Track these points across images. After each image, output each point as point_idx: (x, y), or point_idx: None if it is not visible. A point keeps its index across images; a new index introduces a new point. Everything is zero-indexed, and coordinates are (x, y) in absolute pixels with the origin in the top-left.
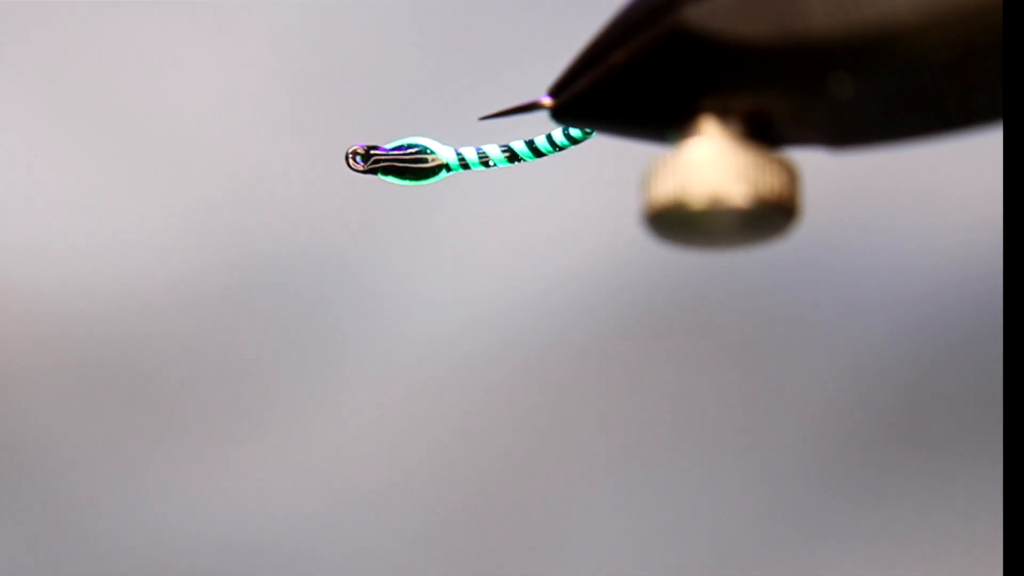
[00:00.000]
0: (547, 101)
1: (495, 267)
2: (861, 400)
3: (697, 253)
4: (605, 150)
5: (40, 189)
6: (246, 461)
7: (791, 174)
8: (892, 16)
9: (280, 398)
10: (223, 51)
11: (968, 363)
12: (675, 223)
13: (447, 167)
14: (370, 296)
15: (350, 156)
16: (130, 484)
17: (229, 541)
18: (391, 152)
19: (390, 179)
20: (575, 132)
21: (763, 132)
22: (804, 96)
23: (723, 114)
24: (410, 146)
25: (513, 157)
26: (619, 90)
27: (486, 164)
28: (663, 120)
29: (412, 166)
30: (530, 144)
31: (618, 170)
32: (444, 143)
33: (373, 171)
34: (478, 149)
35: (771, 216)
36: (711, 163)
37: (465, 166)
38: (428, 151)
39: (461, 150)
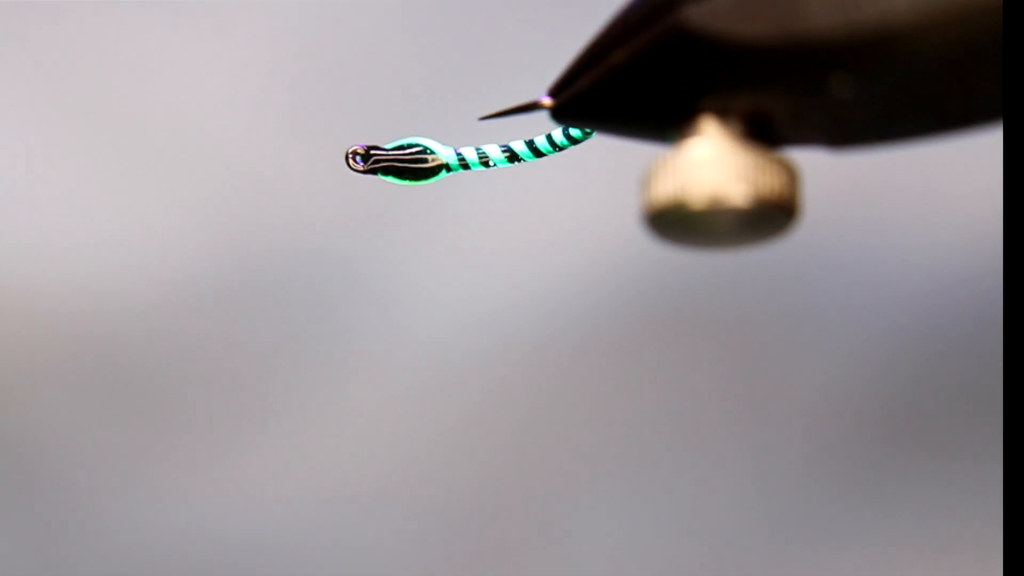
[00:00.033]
0: (547, 101)
1: (495, 266)
2: (861, 400)
3: (697, 253)
4: (605, 150)
5: (40, 189)
6: (249, 459)
7: (791, 174)
8: (892, 16)
9: (282, 397)
10: (223, 51)
11: (968, 363)
12: (675, 223)
13: (447, 167)
14: (371, 295)
15: (350, 156)
16: (132, 482)
17: (233, 538)
18: (391, 152)
19: (390, 179)
20: (575, 132)
21: (763, 132)
22: (804, 96)
23: (723, 114)
24: (410, 146)
25: (513, 157)
26: (619, 90)
27: (486, 164)
28: (663, 120)
29: (412, 166)
30: (530, 144)
31: (618, 170)
32: (444, 143)
33: (373, 171)
34: (478, 149)
35: (771, 216)
36: (711, 163)
37: (465, 166)
38: (428, 151)
39: (461, 150)
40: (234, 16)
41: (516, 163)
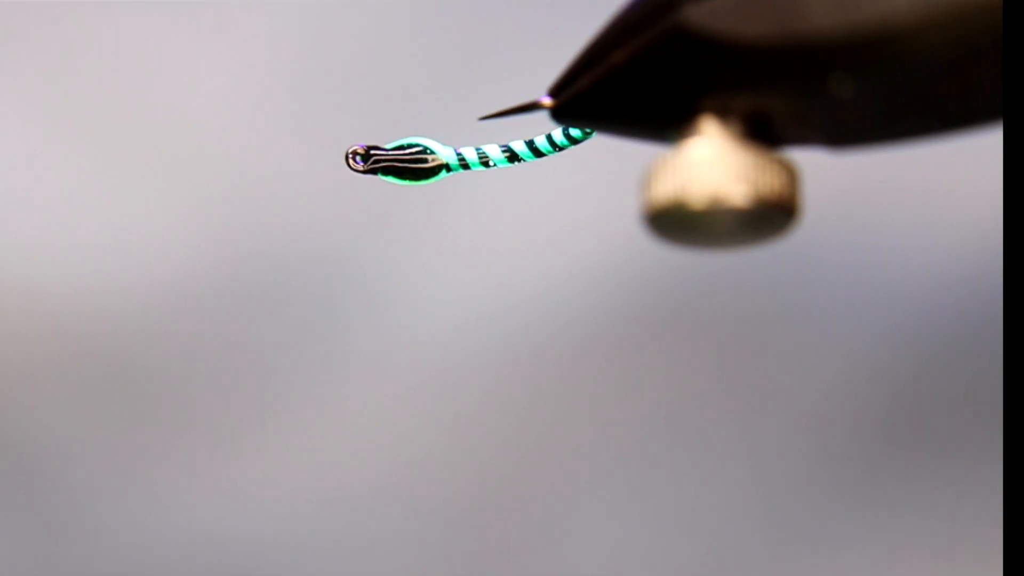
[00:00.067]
0: (547, 101)
1: (495, 266)
2: (861, 400)
3: (697, 253)
4: (605, 150)
5: (40, 189)
6: (249, 459)
7: (791, 174)
8: (892, 16)
9: (281, 397)
10: (223, 51)
11: (968, 363)
12: (675, 223)
13: (447, 167)
14: (371, 295)
15: (350, 156)
16: (133, 482)
17: (233, 538)
18: (391, 152)
19: (390, 179)
20: (575, 132)
21: (763, 132)
22: (804, 96)
23: (723, 114)
24: (410, 146)
25: (513, 157)
26: (619, 90)
27: (486, 164)
28: (663, 120)
29: (412, 166)
30: (530, 144)
31: (618, 170)
32: (444, 143)
33: (373, 171)
34: (478, 149)
35: (771, 216)
36: (711, 163)
37: (465, 166)
38: (428, 151)
39: (461, 150)
40: (234, 16)
41: (516, 163)
